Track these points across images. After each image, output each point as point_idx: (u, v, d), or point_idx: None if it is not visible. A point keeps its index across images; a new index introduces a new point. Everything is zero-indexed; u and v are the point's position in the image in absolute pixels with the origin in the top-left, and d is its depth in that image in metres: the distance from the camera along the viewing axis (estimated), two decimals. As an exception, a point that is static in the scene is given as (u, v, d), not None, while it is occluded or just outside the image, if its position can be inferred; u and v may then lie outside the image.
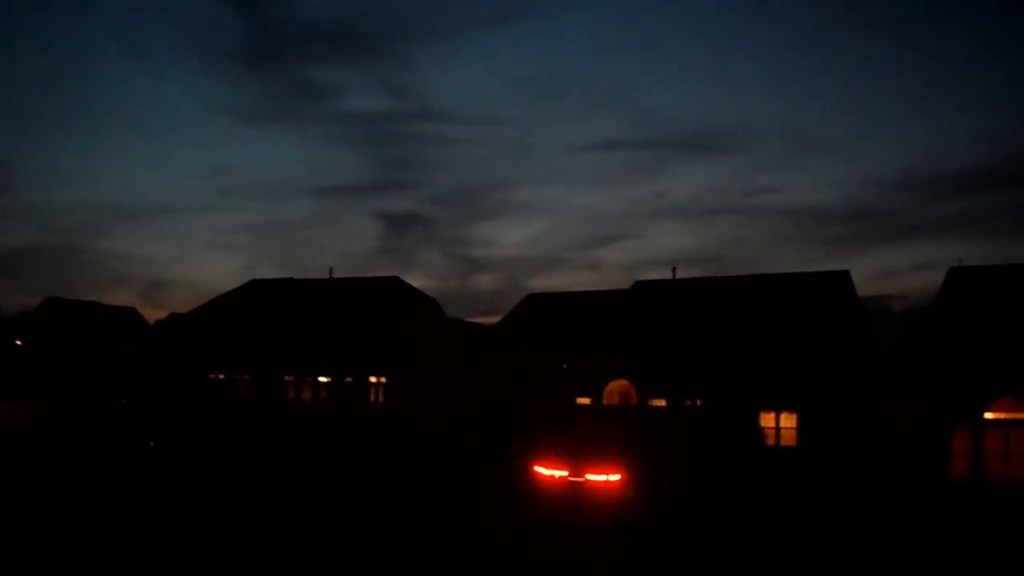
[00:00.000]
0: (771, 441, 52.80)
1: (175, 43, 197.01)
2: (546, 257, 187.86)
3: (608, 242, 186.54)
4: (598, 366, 59.42)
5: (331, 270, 73.58)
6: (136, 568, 22.50)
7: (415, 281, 64.20)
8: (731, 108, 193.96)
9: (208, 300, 75.99)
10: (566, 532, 30.13)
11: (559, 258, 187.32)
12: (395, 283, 69.80)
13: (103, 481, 36.88)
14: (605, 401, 58.89)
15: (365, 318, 65.53)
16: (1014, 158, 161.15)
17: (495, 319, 71.20)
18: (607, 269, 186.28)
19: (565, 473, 36.99)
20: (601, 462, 36.92)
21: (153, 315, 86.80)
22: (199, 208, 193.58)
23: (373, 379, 64.47)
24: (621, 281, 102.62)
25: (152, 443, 51.79)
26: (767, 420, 53.45)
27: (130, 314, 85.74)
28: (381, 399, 64.21)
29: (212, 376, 69.86)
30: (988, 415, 46.94)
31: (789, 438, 52.93)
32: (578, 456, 37.51)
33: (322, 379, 65.91)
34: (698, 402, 55.90)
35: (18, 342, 75.06)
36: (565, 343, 61.34)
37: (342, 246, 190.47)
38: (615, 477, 36.53)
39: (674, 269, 64.86)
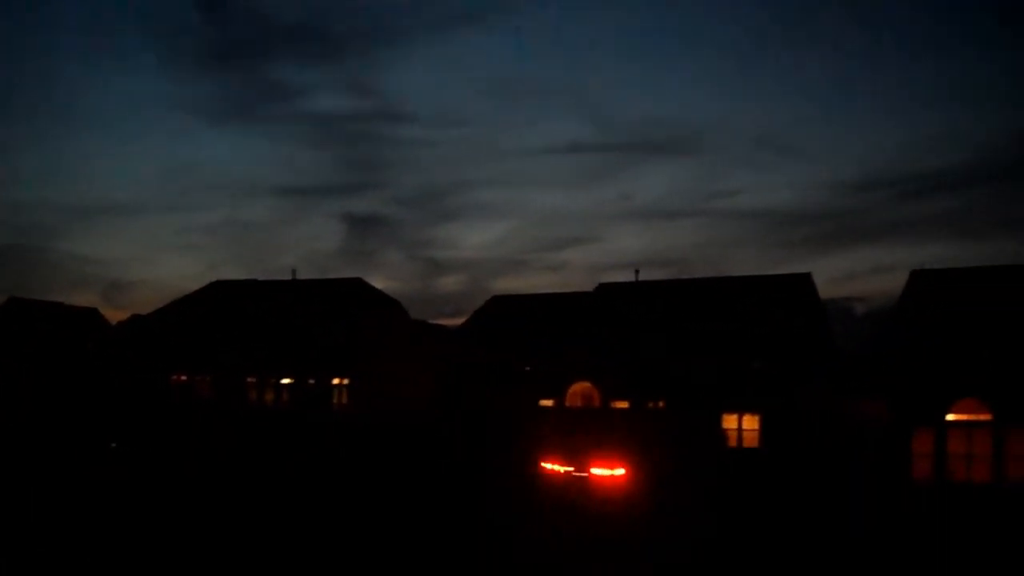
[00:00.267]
0: (733, 443, 51.94)
1: (139, 41, 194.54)
2: (510, 259, 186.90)
3: (572, 244, 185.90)
4: (561, 368, 58.42)
5: (294, 271, 72.53)
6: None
7: (379, 282, 63.55)
8: (694, 110, 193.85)
9: (170, 301, 74.48)
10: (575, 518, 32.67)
11: (523, 260, 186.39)
12: (358, 284, 68.60)
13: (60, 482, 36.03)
14: (568, 403, 57.82)
15: (328, 320, 64.32)
16: (975, 160, 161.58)
17: (459, 321, 70.25)
18: (571, 271, 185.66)
19: (571, 468, 38.98)
20: (605, 458, 38.57)
21: (115, 316, 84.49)
22: (162, 208, 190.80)
23: (336, 381, 63.15)
24: (585, 283, 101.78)
25: (114, 444, 50.57)
26: (730, 422, 52.67)
27: (92, 315, 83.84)
28: (344, 401, 62.82)
29: (174, 377, 68.28)
30: (950, 417, 46.24)
31: (752, 440, 52.25)
32: (583, 453, 39.02)
33: (284, 381, 64.45)
34: (660, 404, 54.97)
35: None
36: (528, 345, 60.46)
37: (306, 247, 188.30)
38: (620, 471, 38.49)
39: (637, 271, 64.28)
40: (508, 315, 65.31)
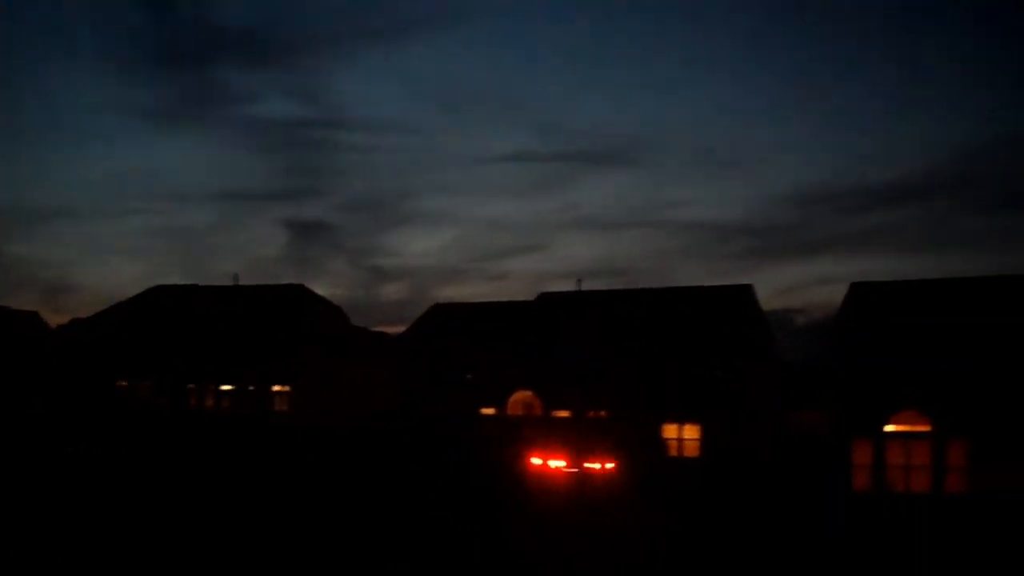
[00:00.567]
0: (674, 452, 50.92)
1: (82, 42, 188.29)
2: (453, 267, 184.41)
3: (515, 253, 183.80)
4: (502, 377, 57.31)
5: (237, 277, 70.43)
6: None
7: (321, 289, 62.13)
8: (640, 122, 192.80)
9: (112, 305, 72.26)
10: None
11: (466, 269, 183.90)
12: (300, 291, 66.94)
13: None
14: (509, 411, 56.68)
15: (269, 326, 62.70)
16: (915, 175, 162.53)
17: (401, 328, 68.64)
18: (514, 280, 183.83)
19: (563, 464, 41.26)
20: (595, 455, 40.79)
21: (56, 320, 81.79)
22: (104, 211, 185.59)
23: (276, 387, 61.54)
24: (528, 292, 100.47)
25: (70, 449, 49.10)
26: (670, 431, 51.67)
27: (32, 318, 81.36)
28: (285, 407, 61.17)
29: (115, 382, 66.17)
30: (889, 428, 45.43)
31: (692, 449, 51.45)
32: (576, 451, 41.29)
33: (225, 387, 62.69)
34: (602, 413, 53.82)
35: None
36: (470, 353, 59.19)
37: (248, 253, 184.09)
38: (610, 465, 40.69)
39: (579, 281, 63.10)
40: (450, 324, 63.90)
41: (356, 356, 65.52)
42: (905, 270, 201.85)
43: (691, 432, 51.63)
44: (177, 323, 66.05)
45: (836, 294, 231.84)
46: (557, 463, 42.11)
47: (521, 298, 64.85)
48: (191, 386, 63.64)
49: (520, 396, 56.69)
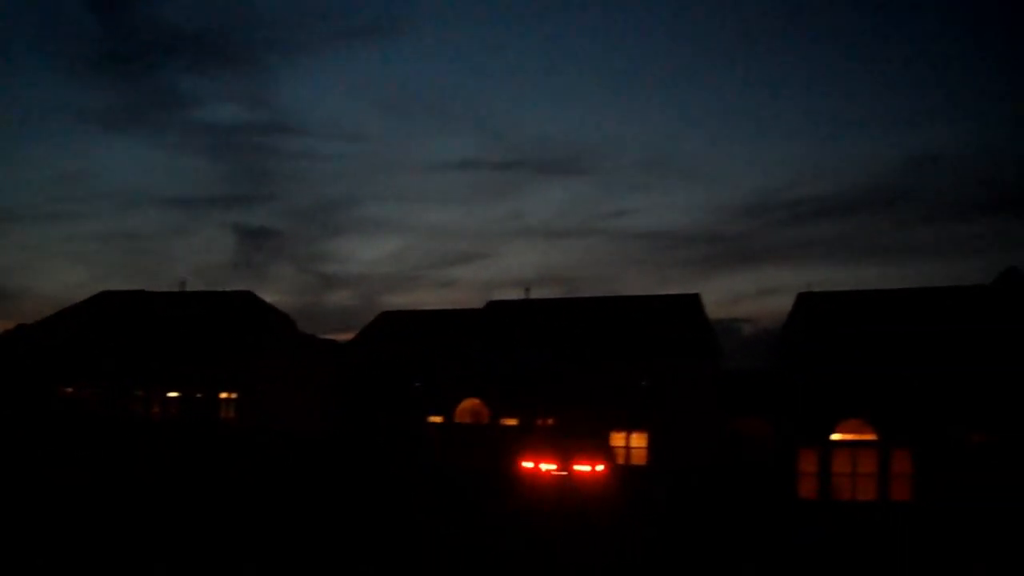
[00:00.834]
0: (622, 460, 50.01)
1: (27, 42, 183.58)
2: (401, 275, 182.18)
3: (463, 261, 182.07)
4: (450, 385, 56.24)
5: (183, 283, 68.84)
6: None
7: (269, 296, 60.89)
8: (588, 130, 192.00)
9: (57, 311, 70.37)
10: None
11: (414, 276, 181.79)
12: (248, 298, 65.45)
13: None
14: (457, 419, 55.64)
15: (216, 333, 61.17)
16: (862, 186, 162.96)
17: (348, 336, 67.26)
18: (462, 288, 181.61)
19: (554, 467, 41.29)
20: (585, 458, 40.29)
21: (0, 326, 79.70)
22: (49, 216, 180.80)
23: (224, 395, 59.95)
24: (475, 300, 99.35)
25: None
26: (618, 439, 50.81)
27: (-24, 325, 79.44)
28: (232, 415, 59.71)
29: (60, 389, 64.32)
30: (835, 436, 44.94)
31: (640, 457, 50.61)
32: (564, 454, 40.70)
33: (172, 394, 61.04)
34: (549, 421, 52.97)
35: None
36: (417, 361, 58.02)
37: (195, 259, 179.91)
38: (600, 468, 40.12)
39: (527, 289, 62.18)
40: (398, 331, 62.65)
41: (304, 363, 64.31)
42: (851, 280, 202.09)
43: (638, 440, 50.88)
44: (124, 329, 64.36)
45: (783, 304, 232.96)
46: (548, 466, 41.76)
47: (469, 306, 63.86)
48: (138, 393, 61.84)
49: (468, 404, 55.70)
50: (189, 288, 68.73)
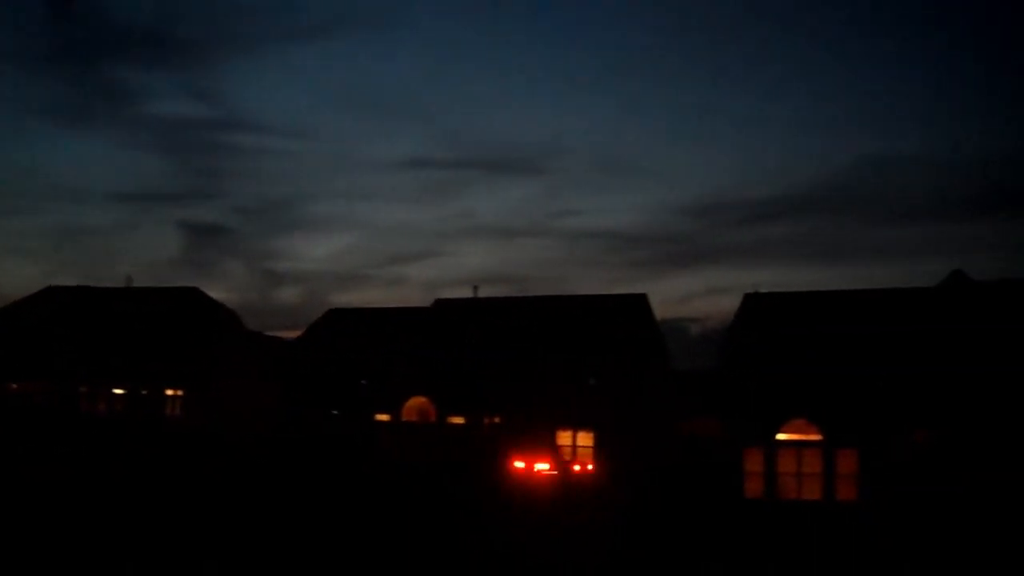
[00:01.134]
0: (568, 458, 48.94)
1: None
2: (350, 272, 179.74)
3: (412, 259, 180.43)
4: (397, 383, 54.89)
5: (130, 279, 66.99)
6: None
7: (216, 293, 58.96)
8: (540, 130, 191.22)
9: (2, 307, 68.24)
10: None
11: (363, 274, 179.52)
12: (195, 294, 63.78)
13: None
14: (404, 417, 54.26)
15: (163, 329, 59.70)
16: (811, 188, 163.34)
17: (296, 333, 65.62)
18: (411, 286, 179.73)
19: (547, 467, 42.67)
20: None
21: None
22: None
23: (170, 391, 58.53)
24: (424, 299, 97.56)
25: None
26: (564, 438, 49.66)
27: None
28: (178, 411, 58.21)
29: (5, 385, 62.28)
30: (781, 436, 44.01)
31: (586, 456, 49.32)
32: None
33: (118, 390, 59.38)
34: (496, 420, 51.77)
35: None
36: (365, 359, 56.63)
37: (143, 255, 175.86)
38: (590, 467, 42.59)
39: (476, 288, 60.81)
40: (345, 329, 61.11)
41: (251, 360, 62.89)
42: (800, 281, 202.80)
43: (585, 439, 49.71)
44: (70, 325, 62.52)
45: (731, 304, 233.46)
46: (541, 466, 42.82)
47: (418, 304, 62.51)
48: (83, 389, 60.13)
49: (415, 402, 54.36)
50: (136, 284, 66.93)
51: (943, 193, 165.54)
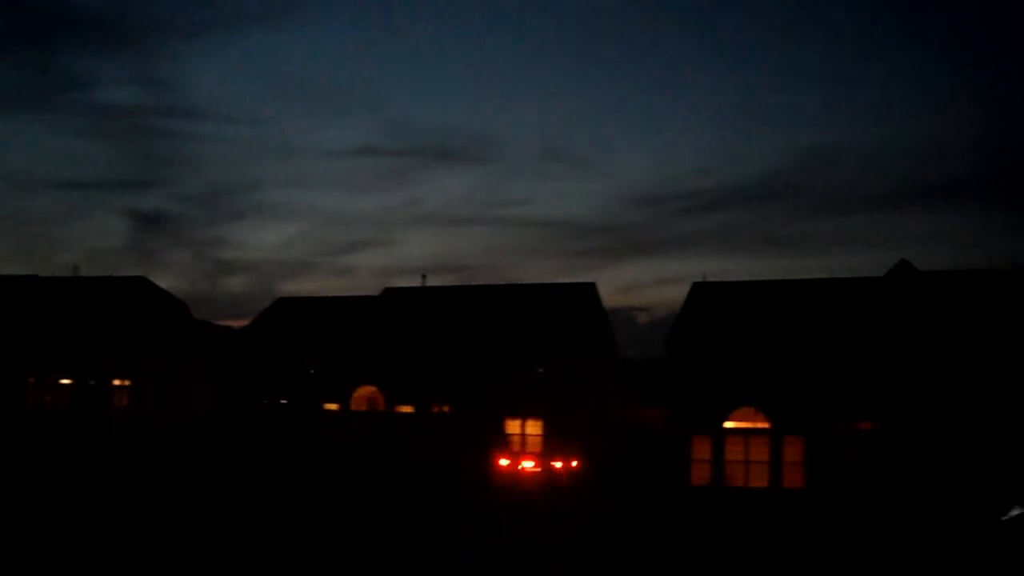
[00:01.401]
0: (516, 447, 48.19)
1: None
2: (298, 261, 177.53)
3: (360, 248, 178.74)
4: (346, 372, 53.89)
5: (76, 268, 65.29)
6: None
7: (163, 282, 57.59)
8: (488, 119, 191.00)
9: (-55, 297, 66.24)
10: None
11: (311, 262, 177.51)
12: (142, 283, 62.07)
13: None
14: (353, 407, 53.25)
15: (109, 319, 58.18)
16: (759, 177, 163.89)
17: (244, 322, 64.32)
18: (359, 275, 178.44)
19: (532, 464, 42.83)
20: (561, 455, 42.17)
21: None
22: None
23: (117, 382, 57.24)
24: (373, 287, 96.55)
25: None
26: (513, 427, 48.94)
27: None
28: (125, 402, 57.00)
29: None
30: (728, 424, 43.51)
31: (535, 444, 48.63)
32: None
33: (64, 381, 57.99)
34: (446, 409, 50.92)
35: None
36: (313, 348, 55.46)
37: (89, 243, 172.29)
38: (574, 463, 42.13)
39: (423, 276, 59.75)
40: (293, 317, 59.77)
41: (198, 350, 61.75)
42: (748, 271, 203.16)
43: (533, 428, 49.02)
44: (15, 315, 60.75)
45: (679, 293, 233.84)
46: (526, 463, 42.88)
47: (366, 293, 61.32)
48: (30, 380, 58.78)
49: (364, 391, 53.38)
50: (82, 273, 65.14)
51: (889, 183, 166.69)
